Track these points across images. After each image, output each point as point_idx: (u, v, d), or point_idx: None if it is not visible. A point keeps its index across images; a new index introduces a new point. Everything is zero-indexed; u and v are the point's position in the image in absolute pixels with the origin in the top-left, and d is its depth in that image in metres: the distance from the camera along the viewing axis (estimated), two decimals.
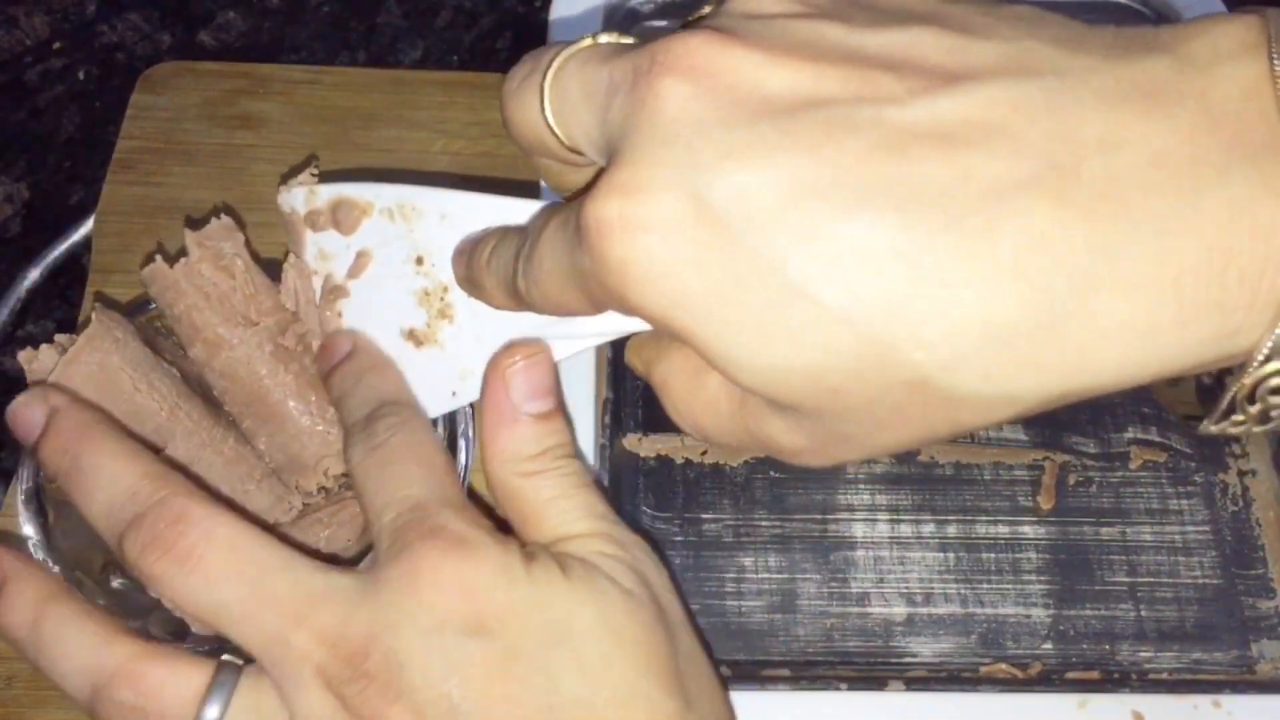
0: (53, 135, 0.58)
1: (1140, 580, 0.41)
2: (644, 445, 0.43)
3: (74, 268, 0.54)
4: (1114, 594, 0.41)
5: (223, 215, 0.37)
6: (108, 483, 0.30)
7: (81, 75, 0.60)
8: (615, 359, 0.43)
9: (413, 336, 0.35)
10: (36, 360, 0.34)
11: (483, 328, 0.34)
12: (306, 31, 0.62)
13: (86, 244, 0.52)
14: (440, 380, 0.35)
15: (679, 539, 0.41)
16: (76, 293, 0.49)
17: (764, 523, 0.42)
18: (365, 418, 0.33)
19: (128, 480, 0.30)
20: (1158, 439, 0.44)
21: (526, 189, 0.36)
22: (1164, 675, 0.39)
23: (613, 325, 0.31)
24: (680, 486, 0.42)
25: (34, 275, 0.53)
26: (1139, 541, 0.42)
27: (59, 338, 0.35)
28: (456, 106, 0.54)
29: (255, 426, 0.36)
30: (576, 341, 0.33)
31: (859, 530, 0.42)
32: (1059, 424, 0.44)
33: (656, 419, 0.43)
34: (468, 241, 0.33)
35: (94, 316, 0.35)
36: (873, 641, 0.40)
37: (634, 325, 0.31)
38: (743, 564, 0.41)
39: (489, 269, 0.31)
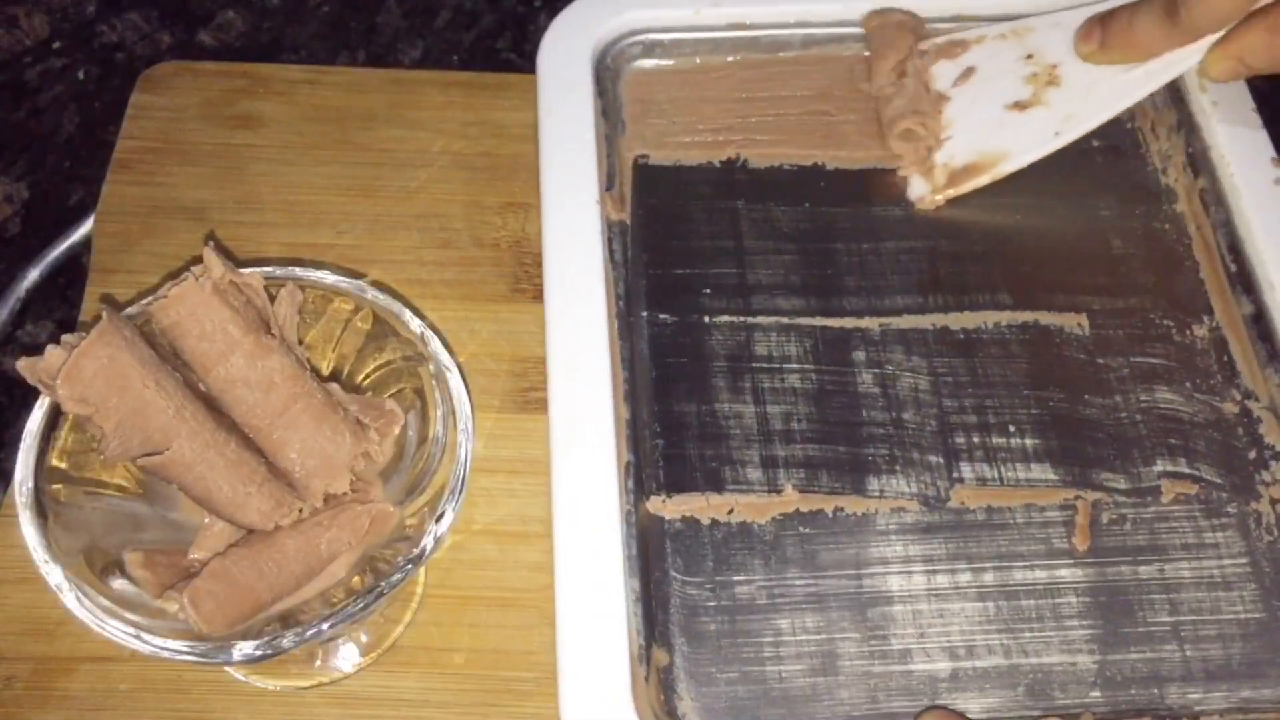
0: (53, 135, 0.58)
1: (1183, 619, 0.41)
2: (668, 507, 0.42)
3: (74, 268, 0.54)
4: (1158, 635, 0.40)
5: (211, 243, 0.38)
6: None
7: (81, 75, 0.60)
8: (633, 420, 0.43)
9: (1017, 105, 0.49)
10: (43, 360, 0.34)
11: (1094, 81, 0.48)
12: (306, 31, 0.62)
13: (86, 244, 0.52)
14: (1043, 127, 0.48)
15: (711, 604, 0.41)
16: (76, 293, 0.49)
17: (797, 582, 0.41)
18: None
19: None
20: (1187, 470, 0.43)
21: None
22: (1216, 717, 0.39)
23: (1188, 58, 0.46)
24: (709, 549, 0.41)
25: (34, 275, 0.53)
26: (1178, 578, 0.41)
27: (66, 338, 0.35)
28: (456, 106, 0.54)
29: (287, 434, 0.36)
30: (1174, 69, 0.47)
31: (895, 584, 0.41)
32: (1087, 460, 0.43)
33: (678, 479, 0.42)
34: (1094, 20, 0.47)
35: (105, 314, 0.35)
36: (919, 700, 0.39)
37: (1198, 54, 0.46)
38: (779, 626, 0.40)
39: (1136, 22, 0.45)
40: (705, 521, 0.42)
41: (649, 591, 0.40)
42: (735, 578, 0.41)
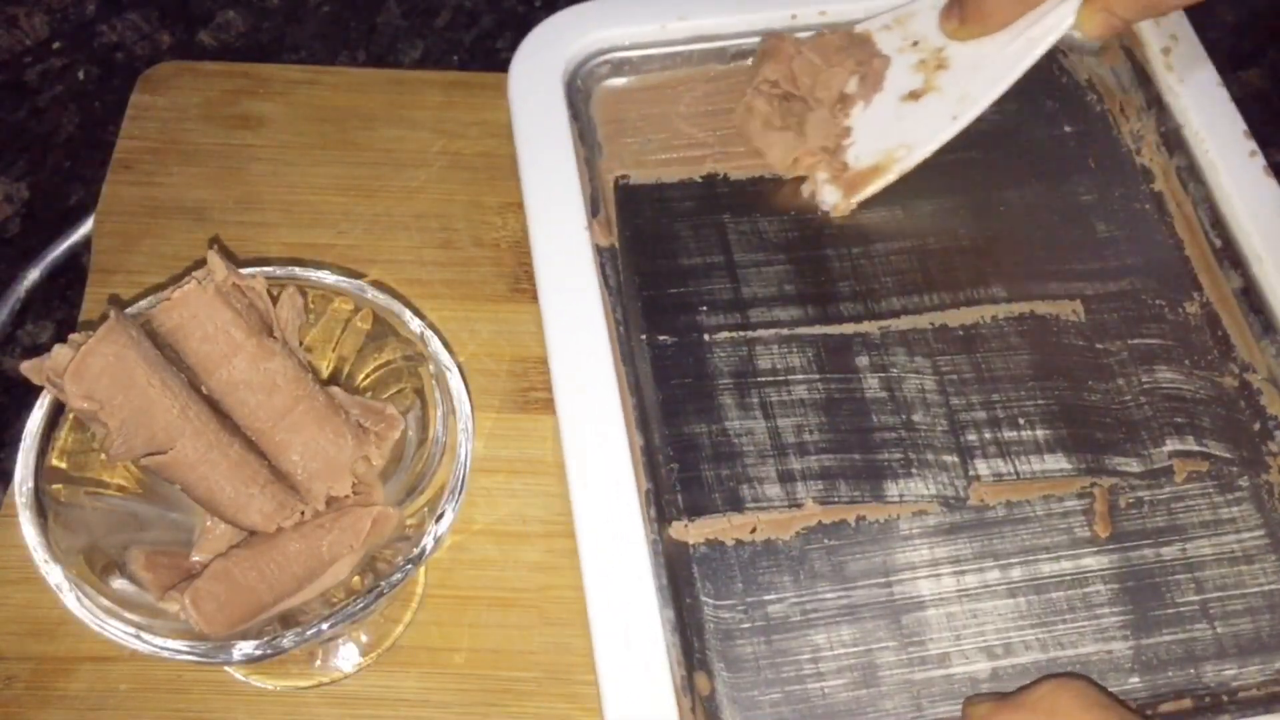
0: (53, 135, 0.58)
1: (1210, 597, 0.41)
2: (691, 532, 0.42)
3: (74, 268, 0.54)
4: (1187, 615, 0.41)
5: (215, 246, 0.38)
6: None
7: (81, 75, 0.60)
8: (646, 446, 0.43)
9: (911, 96, 0.48)
10: (50, 358, 0.34)
11: (979, 57, 0.47)
12: (306, 31, 0.62)
13: (86, 244, 0.52)
14: (939, 112, 0.47)
15: (746, 626, 0.40)
16: (76, 293, 0.49)
17: (829, 595, 0.41)
18: None
19: None
20: (1196, 448, 0.43)
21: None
22: (1254, 691, 0.39)
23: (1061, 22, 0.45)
24: (736, 570, 0.41)
25: (34, 275, 0.53)
26: (1200, 557, 0.42)
27: (73, 337, 0.35)
28: (456, 106, 0.54)
29: (289, 437, 0.36)
30: (1053, 34, 0.46)
31: (925, 588, 0.41)
32: (1098, 446, 0.43)
33: (697, 502, 0.42)
34: None
35: (112, 314, 0.35)
36: (962, 703, 0.39)
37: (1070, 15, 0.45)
38: (816, 643, 0.40)
39: None
40: (729, 543, 0.42)
41: (683, 619, 0.40)
42: (766, 597, 0.41)
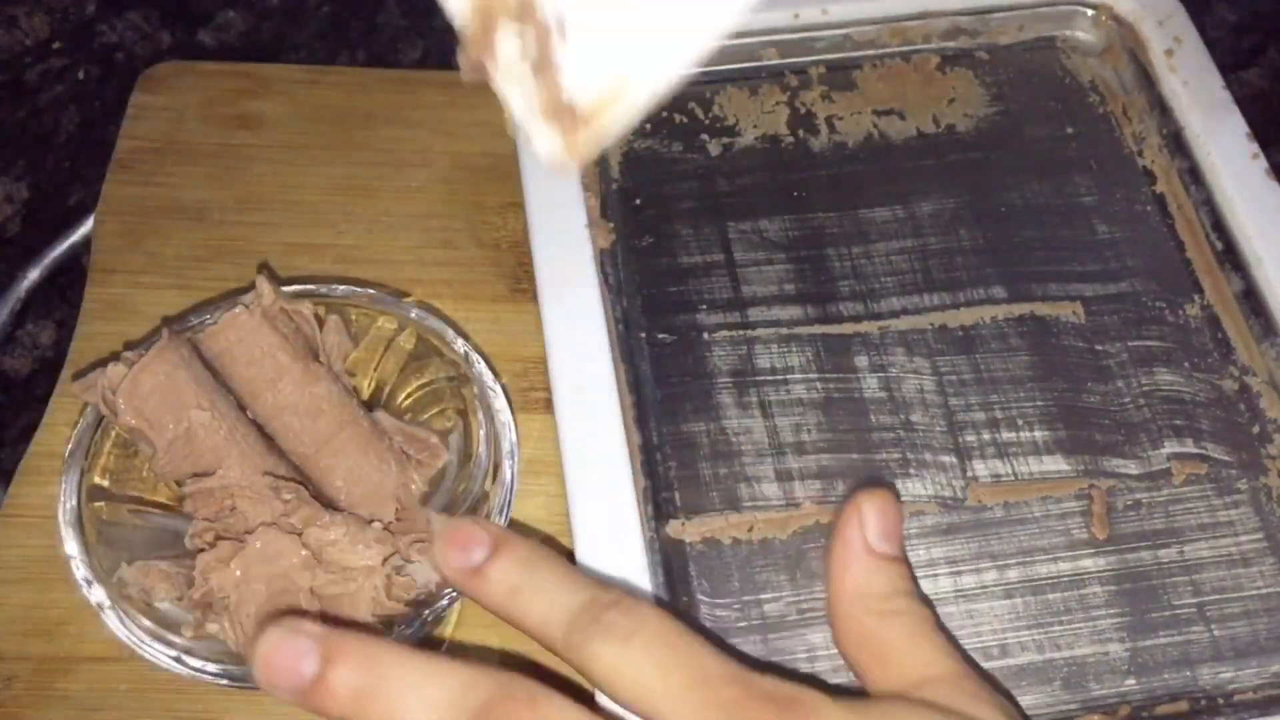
0: (53, 135, 0.58)
1: (1207, 599, 0.41)
2: (688, 530, 0.42)
3: (74, 268, 0.54)
4: (1184, 617, 0.41)
5: (265, 271, 0.38)
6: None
7: (81, 75, 0.60)
8: (644, 444, 0.43)
9: None
10: (105, 375, 0.35)
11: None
12: (306, 31, 0.62)
13: (86, 244, 0.52)
14: None
15: (742, 624, 0.40)
16: (76, 293, 0.49)
17: (825, 595, 0.41)
18: (585, 606, 0.31)
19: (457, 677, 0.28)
20: (1195, 450, 0.44)
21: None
22: (1250, 694, 0.39)
23: None
24: (733, 569, 0.41)
25: (34, 275, 0.53)
26: (1198, 559, 0.42)
27: (126, 355, 0.35)
28: (456, 106, 0.54)
29: (334, 462, 0.37)
30: None
31: (922, 588, 0.40)
32: (1097, 448, 0.44)
33: (695, 500, 0.42)
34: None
35: (164, 333, 0.35)
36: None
37: None
38: (812, 642, 0.40)
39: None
40: (726, 541, 0.42)
41: (679, 617, 0.40)
42: (762, 596, 0.41)
